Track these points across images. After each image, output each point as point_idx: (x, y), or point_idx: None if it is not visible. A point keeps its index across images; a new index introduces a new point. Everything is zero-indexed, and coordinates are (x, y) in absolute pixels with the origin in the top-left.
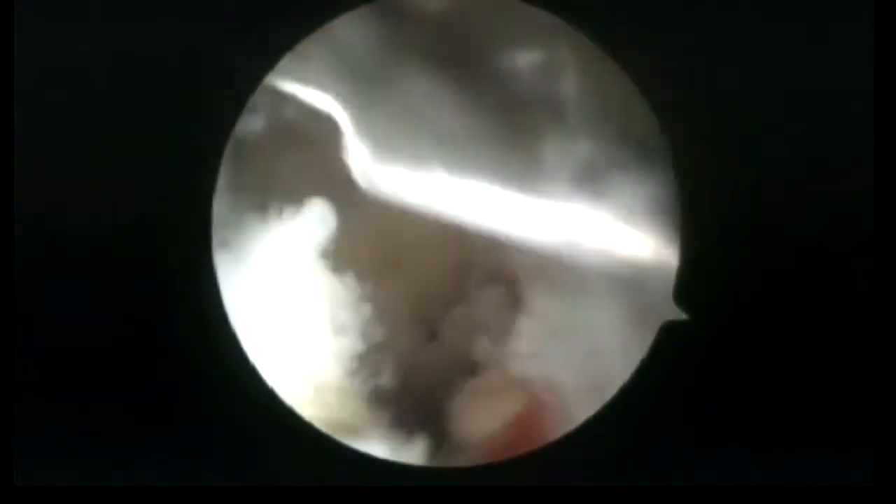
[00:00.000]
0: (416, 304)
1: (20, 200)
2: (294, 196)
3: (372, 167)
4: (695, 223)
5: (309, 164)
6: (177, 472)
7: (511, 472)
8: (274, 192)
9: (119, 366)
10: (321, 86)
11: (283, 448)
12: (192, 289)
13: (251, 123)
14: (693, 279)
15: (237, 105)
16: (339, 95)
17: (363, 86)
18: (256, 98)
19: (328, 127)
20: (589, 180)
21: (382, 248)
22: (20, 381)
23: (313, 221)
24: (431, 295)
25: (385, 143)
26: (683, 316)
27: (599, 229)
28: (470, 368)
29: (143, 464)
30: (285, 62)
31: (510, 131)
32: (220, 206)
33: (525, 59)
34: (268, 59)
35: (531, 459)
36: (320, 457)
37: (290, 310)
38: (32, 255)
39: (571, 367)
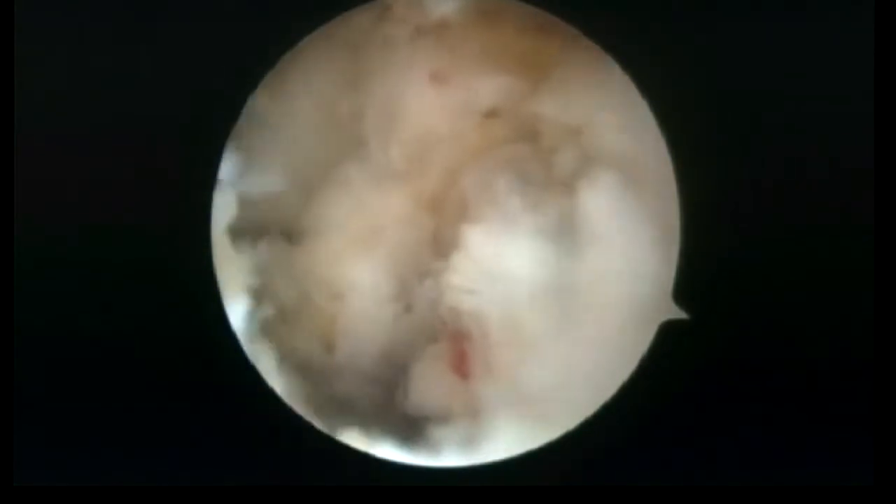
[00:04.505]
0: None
1: (20, 199)
2: None
3: None
4: (695, 223)
5: None
6: (177, 472)
7: (511, 471)
8: None
9: (119, 366)
10: None
11: (283, 448)
12: (192, 289)
13: None
14: (693, 279)
15: (237, 105)
16: None
17: None
18: None
19: None
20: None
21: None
22: (20, 381)
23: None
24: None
25: None
26: (683, 316)
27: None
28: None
29: (142, 464)
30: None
31: None
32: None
33: None
34: (267, 59)
35: (532, 459)
36: (320, 457)
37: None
38: (32, 255)
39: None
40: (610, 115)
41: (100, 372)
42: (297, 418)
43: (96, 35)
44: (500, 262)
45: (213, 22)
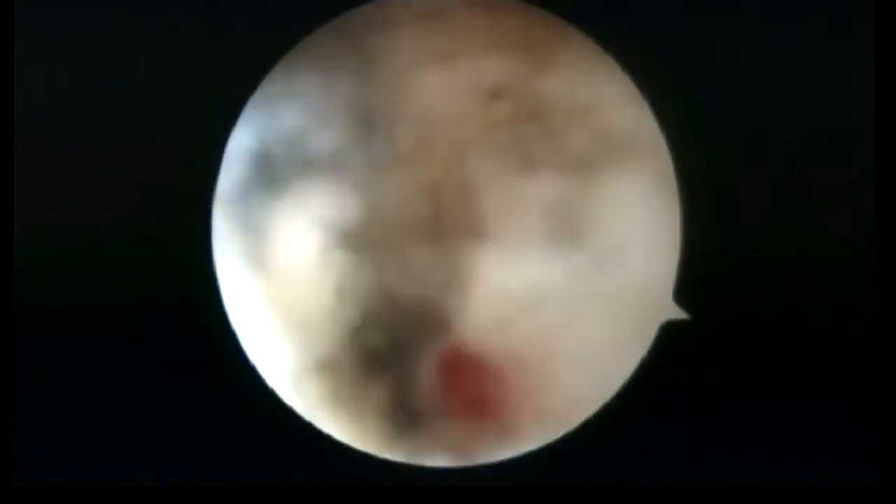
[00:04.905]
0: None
1: (20, 199)
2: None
3: None
4: (695, 223)
5: None
6: (176, 472)
7: (511, 471)
8: None
9: (118, 365)
10: None
11: (283, 448)
12: (192, 289)
13: None
14: (693, 279)
15: (237, 105)
16: None
17: None
18: None
19: None
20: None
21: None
22: (20, 380)
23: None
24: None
25: None
26: (684, 316)
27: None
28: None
29: (143, 464)
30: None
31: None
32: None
33: None
34: (267, 60)
35: (532, 459)
36: (320, 457)
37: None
38: (32, 255)
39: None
40: (618, 92)
41: (100, 372)
42: (298, 418)
43: (96, 35)
44: (521, 282)
45: (213, 22)
